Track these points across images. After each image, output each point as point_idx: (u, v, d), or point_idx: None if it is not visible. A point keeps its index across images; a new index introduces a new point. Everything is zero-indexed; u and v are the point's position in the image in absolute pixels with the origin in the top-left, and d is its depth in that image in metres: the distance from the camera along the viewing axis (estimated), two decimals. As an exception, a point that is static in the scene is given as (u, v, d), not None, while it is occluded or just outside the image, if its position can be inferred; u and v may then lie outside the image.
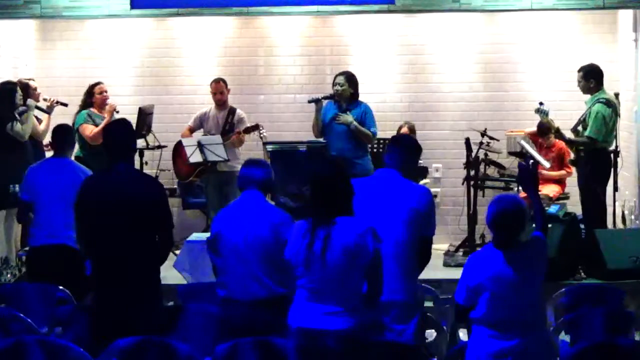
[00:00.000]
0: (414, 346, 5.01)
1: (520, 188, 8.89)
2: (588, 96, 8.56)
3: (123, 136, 5.28)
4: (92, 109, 8.79)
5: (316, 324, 4.49)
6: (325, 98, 8.56)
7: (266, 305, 5.20)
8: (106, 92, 8.89)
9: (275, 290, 5.24)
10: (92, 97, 8.83)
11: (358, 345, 4.52)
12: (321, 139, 8.50)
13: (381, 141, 9.19)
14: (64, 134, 6.97)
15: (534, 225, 4.74)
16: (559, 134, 8.69)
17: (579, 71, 8.58)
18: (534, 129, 9.37)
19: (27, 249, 7.48)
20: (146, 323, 5.00)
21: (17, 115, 8.10)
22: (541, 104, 8.75)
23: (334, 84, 8.51)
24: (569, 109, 9.43)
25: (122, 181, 5.14)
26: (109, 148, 5.24)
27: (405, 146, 5.33)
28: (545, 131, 9.17)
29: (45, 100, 8.71)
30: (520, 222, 4.60)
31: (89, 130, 8.56)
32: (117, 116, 8.81)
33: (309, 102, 8.67)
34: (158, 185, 5.36)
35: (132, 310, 5.06)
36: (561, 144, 9.33)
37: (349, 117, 8.39)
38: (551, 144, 9.35)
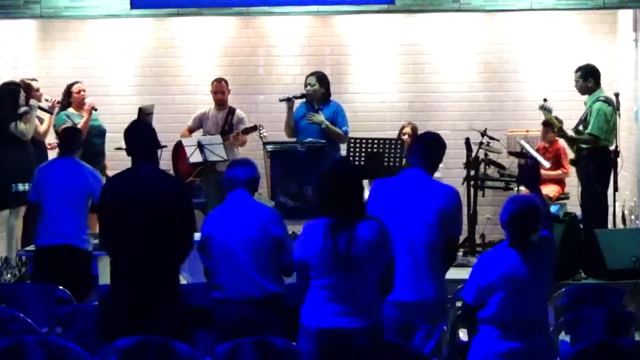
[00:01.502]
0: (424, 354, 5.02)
1: (520, 188, 8.90)
2: (587, 96, 8.57)
3: (144, 137, 5.28)
4: (70, 109, 8.78)
5: (338, 324, 4.50)
6: (296, 97, 8.62)
7: (261, 304, 5.20)
8: (84, 91, 8.89)
9: (270, 288, 5.24)
10: (71, 97, 8.82)
11: (380, 342, 4.54)
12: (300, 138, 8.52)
13: (381, 141, 9.17)
14: (72, 136, 7.03)
15: None
16: (561, 132, 8.67)
17: (576, 71, 8.58)
18: (537, 132, 9.42)
19: (28, 248, 7.49)
20: (165, 322, 5.00)
21: (18, 115, 8.10)
22: (545, 100, 8.76)
23: (305, 85, 8.58)
24: (569, 108, 9.42)
25: (146, 181, 5.14)
26: (131, 149, 5.24)
27: (428, 144, 5.31)
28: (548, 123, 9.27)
29: (47, 100, 8.71)
30: (536, 222, 4.63)
31: None
32: (95, 114, 8.82)
33: (280, 101, 8.76)
34: (182, 185, 5.36)
35: (152, 309, 5.05)
36: (558, 144, 9.34)
37: (320, 117, 8.47)
38: (552, 139, 9.35)
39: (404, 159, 8.15)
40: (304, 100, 8.72)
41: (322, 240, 4.53)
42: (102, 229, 5.29)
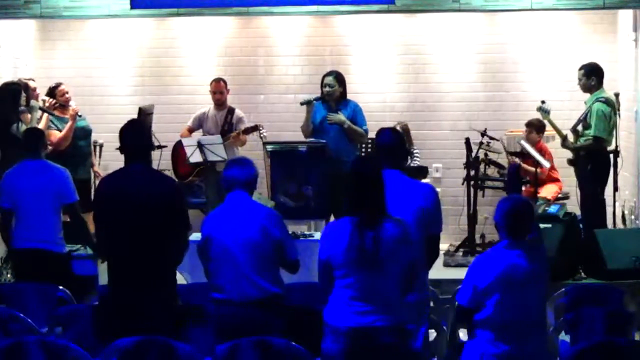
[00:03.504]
0: (420, 353, 5.02)
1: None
2: (588, 96, 8.56)
3: (137, 136, 5.29)
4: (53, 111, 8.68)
5: (366, 322, 4.51)
6: (317, 99, 8.56)
7: (261, 305, 5.20)
8: (67, 93, 8.75)
9: (269, 289, 5.24)
10: (54, 99, 8.71)
11: (407, 340, 4.56)
12: (321, 140, 8.49)
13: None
14: (36, 136, 6.95)
15: None
16: (565, 142, 8.64)
17: (580, 69, 8.57)
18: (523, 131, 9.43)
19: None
20: (162, 323, 5.00)
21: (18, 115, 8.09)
22: (543, 102, 8.76)
23: (323, 85, 8.50)
24: (569, 108, 9.43)
25: (138, 181, 5.14)
26: (124, 149, 5.25)
27: (390, 144, 5.27)
28: (539, 127, 9.27)
29: (44, 101, 8.67)
30: (530, 220, 4.63)
31: (54, 136, 8.39)
32: (79, 120, 8.73)
33: (302, 104, 8.64)
34: (175, 185, 5.36)
35: (149, 309, 5.05)
36: (542, 144, 9.35)
37: (341, 117, 8.39)
38: (535, 140, 9.35)
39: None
40: (320, 101, 8.63)
41: (349, 238, 4.53)
42: (97, 230, 5.29)
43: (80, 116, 8.71)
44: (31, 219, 6.65)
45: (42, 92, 8.83)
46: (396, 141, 5.29)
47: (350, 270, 4.54)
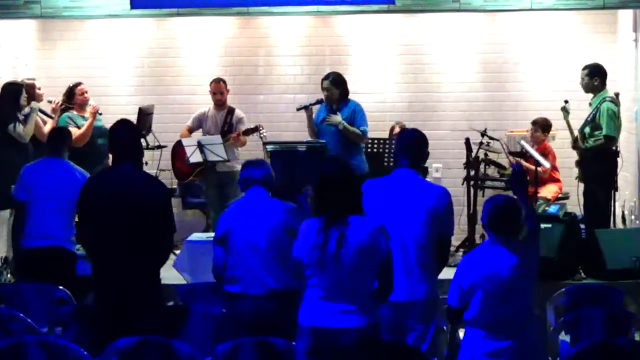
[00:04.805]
0: (422, 352, 5.02)
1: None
2: (590, 96, 8.55)
3: (126, 136, 5.29)
4: (72, 111, 8.69)
5: (330, 323, 4.50)
6: (313, 104, 8.58)
7: (281, 297, 5.23)
8: (87, 92, 8.79)
9: (288, 281, 5.24)
10: (73, 98, 8.72)
11: (373, 343, 4.53)
12: (321, 140, 8.51)
13: (381, 141, 9.19)
14: (61, 136, 6.99)
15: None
16: (576, 143, 8.63)
17: (583, 69, 8.56)
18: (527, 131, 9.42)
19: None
20: (148, 323, 5.00)
21: (22, 117, 8.07)
22: (566, 102, 8.75)
23: (322, 88, 8.52)
24: (569, 108, 9.42)
25: (126, 181, 5.14)
26: (113, 148, 5.25)
27: (413, 143, 5.36)
28: (544, 126, 9.27)
29: (50, 102, 8.67)
30: (517, 216, 4.64)
31: (72, 133, 8.48)
32: (99, 118, 8.76)
33: (298, 110, 8.69)
34: (162, 186, 5.37)
35: (134, 310, 5.06)
36: (545, 143, 9.34)
37: (337, 118, 8.40)
38: (539, 139, 9.35)
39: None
40: (322, 103, 8.63)
41: (314, 238, 4.55)
42: (80, 228, 5.30)
43: (100, 114, 8.74)
44: (46, 215, 6.69)
45: (44, 92, 8.83)
46: (415, 142, 5.35)
47: (315, 269, 4.55)
